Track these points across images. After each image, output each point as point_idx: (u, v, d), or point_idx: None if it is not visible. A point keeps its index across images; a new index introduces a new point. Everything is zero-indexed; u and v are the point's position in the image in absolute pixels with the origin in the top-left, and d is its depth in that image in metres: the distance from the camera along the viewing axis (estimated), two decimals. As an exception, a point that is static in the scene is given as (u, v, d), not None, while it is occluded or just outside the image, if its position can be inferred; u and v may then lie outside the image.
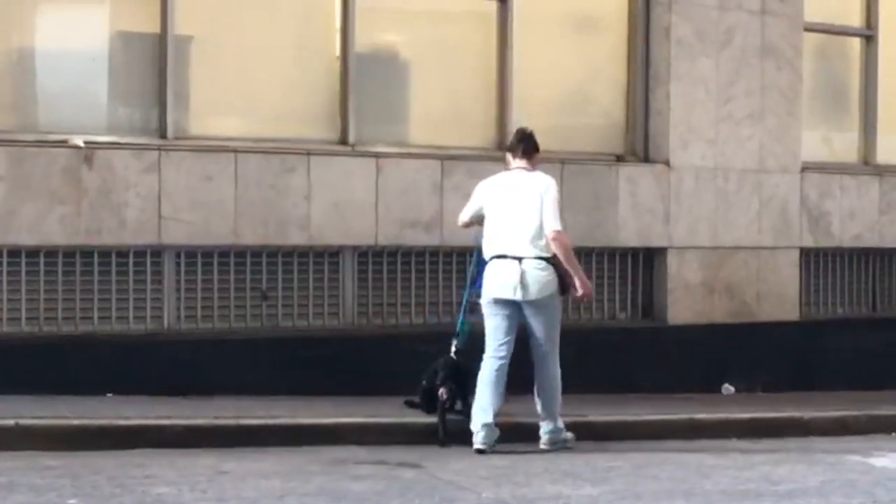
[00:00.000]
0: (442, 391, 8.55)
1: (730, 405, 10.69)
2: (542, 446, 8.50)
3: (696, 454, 8.46)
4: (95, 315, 9.29)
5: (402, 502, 6.57)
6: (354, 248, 10.10)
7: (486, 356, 8.51)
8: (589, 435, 8.78)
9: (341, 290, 10.10)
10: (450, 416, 8.62)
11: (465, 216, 8.85)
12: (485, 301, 8.55)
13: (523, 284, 8.35)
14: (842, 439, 9.45)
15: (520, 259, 8.38)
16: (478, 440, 8.30)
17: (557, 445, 8.50)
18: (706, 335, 11.28)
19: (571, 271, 8.48)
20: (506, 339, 8.48)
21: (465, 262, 9.41)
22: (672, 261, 11.29)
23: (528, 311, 8.45)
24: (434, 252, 10.38)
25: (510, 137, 10.59)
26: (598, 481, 7.34)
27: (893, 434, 9.96)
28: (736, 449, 8.85)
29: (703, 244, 11.42)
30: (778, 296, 11.81)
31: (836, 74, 12.79)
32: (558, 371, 8.54)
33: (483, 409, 8.37)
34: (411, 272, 10.36)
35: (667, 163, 11.26)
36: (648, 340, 11.16)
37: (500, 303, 8.46)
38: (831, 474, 7.84)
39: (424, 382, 8.78)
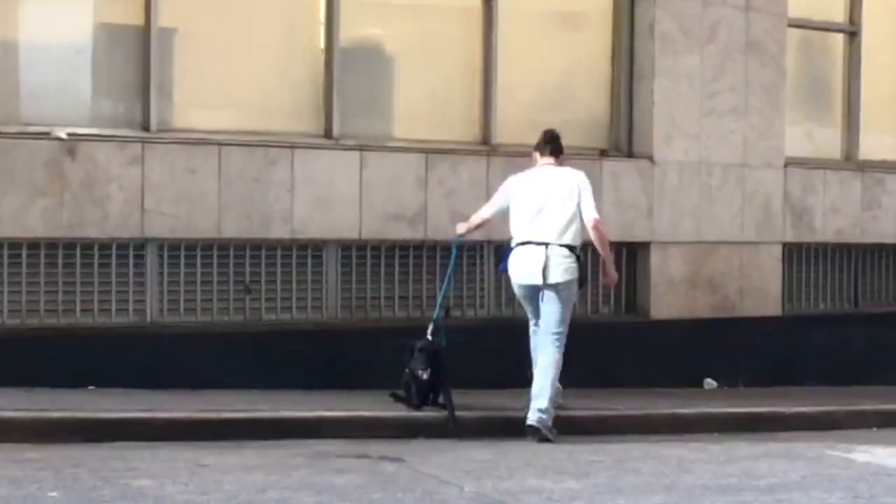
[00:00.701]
0: (420, 373, 8.69)
1: (712, 400, 10.72)
2: (529, 423, 8.48)
3: (678, 448, 8.47)
4: (78, 308, 9.27)
5: (384, 496, 6.57)
6: (338, 241, 10.09)
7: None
8: (571, 429, 8.80)
9: (324, 284, 10.09)
10: (429, 409, 8.69)
11: (487, 212, 9.11)
12: (514, 285, 8.90)
13: (546, 268, 8.62)
14: (823, 434, 9.47)
15: (546, 245, 8.64)
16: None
17: (544, 424, 8.50)
18: (689, 330, 11.29)
19: (604, 257, 8.94)
20: (538, 318, 8.82)
21: (449, 256, 9.41)
22: (655, 256, 11.31)
23: (546, 294, 8.69)
24: (418, 246, 10.38)
25: (494, 132, 10.71)
26: (580, 475, 7.35)
27: (874, 429, 10.00)
28: (717, 443, 8.86)
29: (687, 239, 11.44)
30: (760, 291, 11.83)
31: (820, 70, 12.81)
32: (561, 358, 8.69)
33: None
34: (395, 266, 10.35)
35: (650, 158, 11.28)
36: (631, 335, 11.17)
37: (525, 287, 8.80)
38: (812, 469, 7.85)
39: (407, 371, 8.83)
